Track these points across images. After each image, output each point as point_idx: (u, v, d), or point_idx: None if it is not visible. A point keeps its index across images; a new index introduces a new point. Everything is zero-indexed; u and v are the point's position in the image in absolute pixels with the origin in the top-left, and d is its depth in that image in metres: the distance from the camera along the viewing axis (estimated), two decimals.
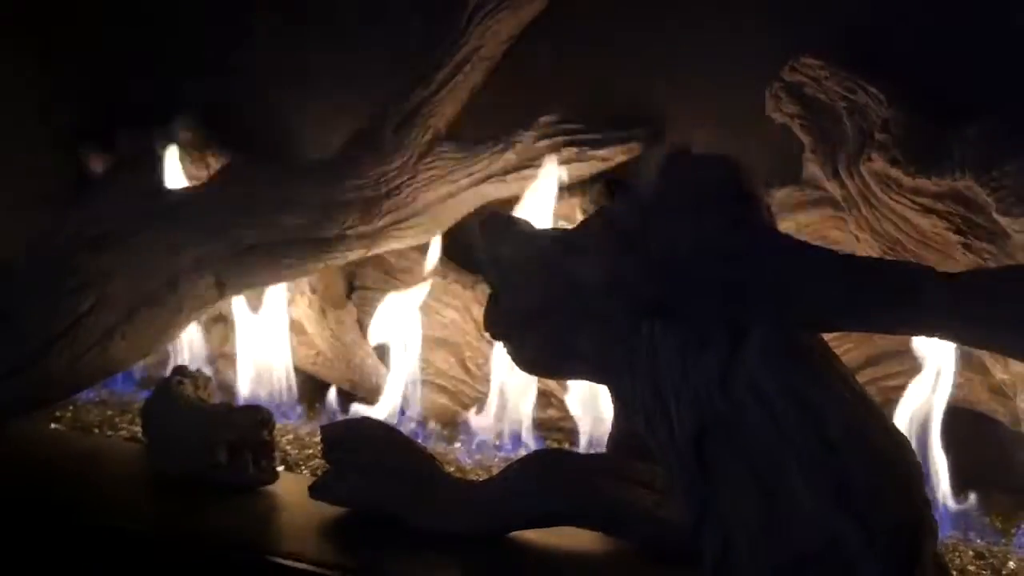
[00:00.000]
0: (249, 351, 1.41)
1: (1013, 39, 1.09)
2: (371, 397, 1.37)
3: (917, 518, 0.83)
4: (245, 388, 1.40)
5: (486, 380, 1.31)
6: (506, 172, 1.27)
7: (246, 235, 1.27)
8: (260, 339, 1.41)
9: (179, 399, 1.22)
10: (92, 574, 1.08)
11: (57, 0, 1.55)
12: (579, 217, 1.23)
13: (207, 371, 1.34)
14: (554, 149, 1.25)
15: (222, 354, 1.44)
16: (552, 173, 1.24)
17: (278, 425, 1.20)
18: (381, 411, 1.32)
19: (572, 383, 1.23)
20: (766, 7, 1.18)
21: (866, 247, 1.11)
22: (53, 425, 1.35)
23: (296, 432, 1.32)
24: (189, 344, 1.44)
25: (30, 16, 1.53)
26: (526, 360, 0.99)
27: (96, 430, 1.35)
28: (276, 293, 1.39)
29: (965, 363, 1.07)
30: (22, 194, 1.53)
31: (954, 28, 1.11)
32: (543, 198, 1.24)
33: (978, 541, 1.02)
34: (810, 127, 1.13)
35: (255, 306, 1.40)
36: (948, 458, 1.05)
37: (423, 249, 1.34)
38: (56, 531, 1.12)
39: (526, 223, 1.05)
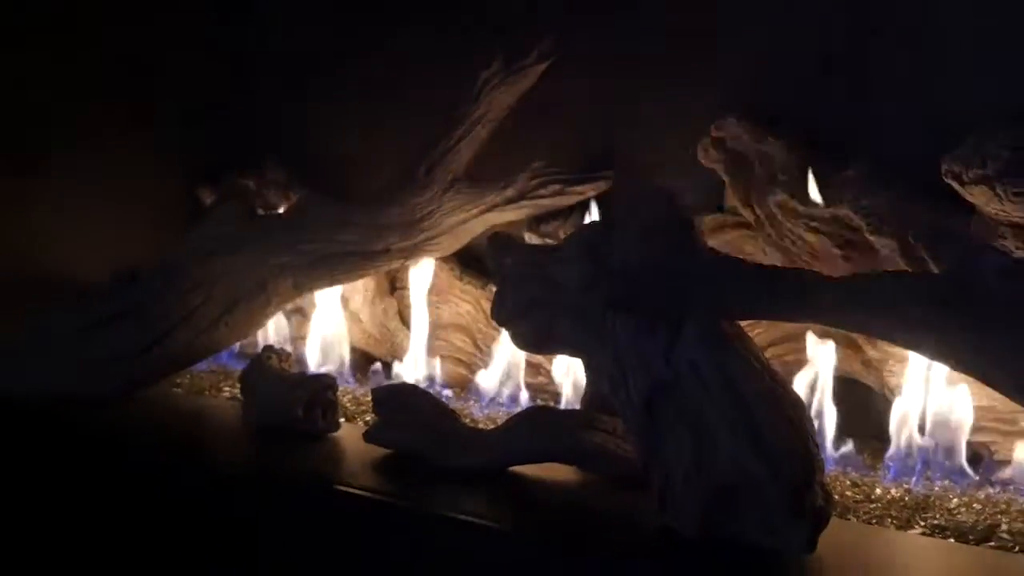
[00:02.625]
0: (318, 333, 1.41)
1: (881, 108, 1.09)
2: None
3: (809, 457, 0.84)
4: (315, 361, 1.40)
5: (492, 355, 1.31)
6: (507, 203, 1.27)
7: (316, 249, 1.26)
8: (326, 325, 1.41)
9: (267, 369, 1.22)
10: (201, 500, 1.08)
11: (180, 82, 1.54)
12: (561, 236, 1.23)
13: (288, 348, 1.34)
14: (542, 186, 1.26)
15: (299, 336, 1.44)
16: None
17: (340, 388, 1.20)
18: (413, 376, 1.33)
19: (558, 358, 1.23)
20: (700, 82, 1.18)
21: (771, 258, 1.11)
22: (175, 389, 1.35)
23: (353, 393, 1.32)
24: (275, 329, 1.44)
25: (154, 93, 1.53)
26: (522, 341, 0.99)
27: (206, 392, 1.35)
28: (338, 292, 1.40)
29: (845, 343, 1.07)
30: (150, 220, 1.53)
31: (838, 98, 1.11)
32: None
33: (853, 474, 1.02)
34: (730, 170, 1.13)
35: (323, 300, 1.40)
36: (833, 414, 1.05)
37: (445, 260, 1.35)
38: (176, 467, 1.12)
39: (523, 241, 1.05)
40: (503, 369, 1.28)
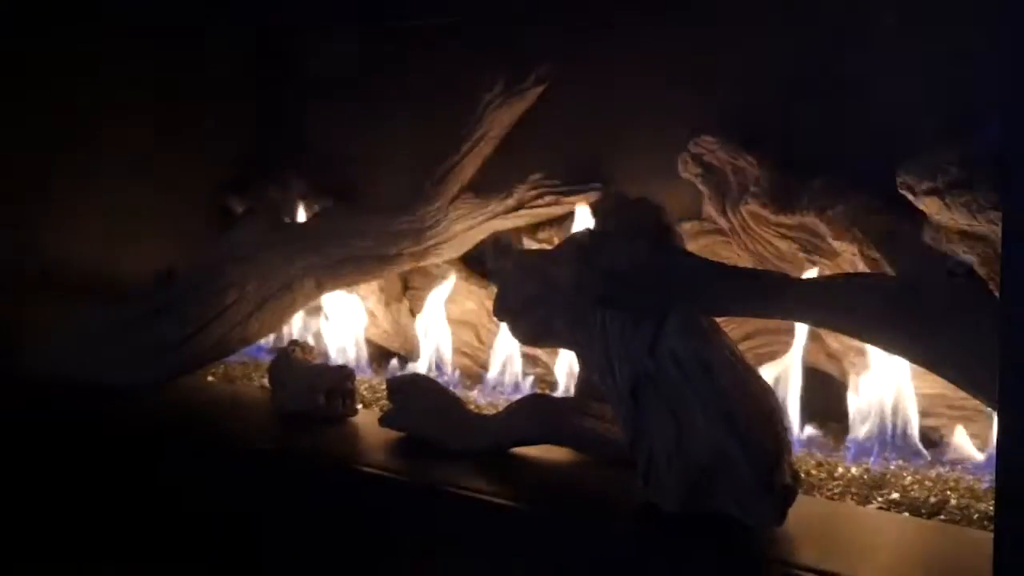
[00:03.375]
0: (338, 329, 1.41)
1: (842, 128, 1.10)
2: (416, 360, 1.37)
3: (778, 438, 0.84)
4: (335, 353, 1.40)
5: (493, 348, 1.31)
6: (507, 212, 1.27)
7: (336, 253, 1.27)
8: (345, 321, 1.41)
9: (293, 361, 1.22)
10: (232, 476, 1.09)
11: (214, 101, 1.55)
12: (556, 241, 1.23)
13: (311, 342, 1.35)
14: (538, 197, 1.26)
15: (320, 331, 1.44)
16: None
17: (358, 377, 1.20)
18: (423, 368, 1.33)
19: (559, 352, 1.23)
20: (680, 104, 1.18)
21: (744, 261, 1.11)
22: (209, 378, 1.35)
23: (370, 382, 1.32)
24: (299, 324, 1.44)
25: (191, 111, 1.54)
26: (520, 335, 0.99)
27: (238, 381, 1.35)
28: (356, 291, 1.40)
29: (810, 336, 1.07)
30: (190, 226, 1.53)
31: (805, 118, 1.11)
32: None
33: (818, 454, 1.02)
34: (707, 182, 1.13)
35: (342, 299, 1.41)
36: (799, 400, 1.05)
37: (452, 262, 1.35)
38: (211, 448, 1.12)
39: (521, 246, 1.05)
40: (504, 360, 1.29)
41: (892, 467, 0.98)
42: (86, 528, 1.18)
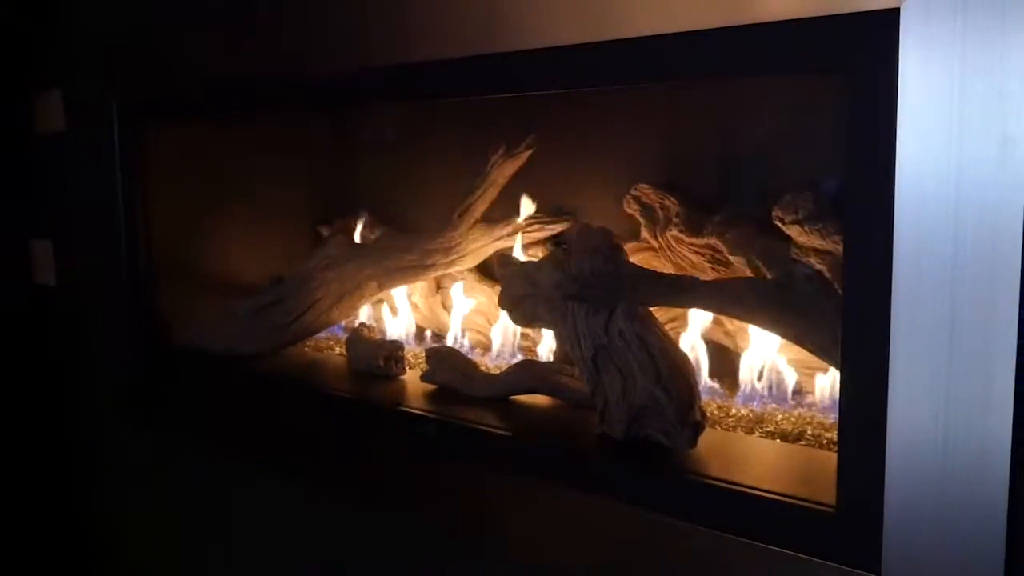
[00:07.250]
0: (392, 315, 1.41)
1: (737, 179, 1.10)
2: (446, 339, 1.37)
3: (691, 389, 0.84)
4: (391, 332, 1.40)
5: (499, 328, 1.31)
6: (508, 236, 1.27)
7: (390, 264, 1.26)
8: (397, 309, 1.41)
9: (361, 337, 1.22)
10: (321, 414, 1.09)
11: (311, 161, 1.55)
12: (541, 255, 1.23)
13: (374, 324, 1.35)
14: (529, 225, 1.26)
15: (380, 317, 1.44)
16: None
17: (406, 348, 1.20)
18: (450, 342, 1.32)
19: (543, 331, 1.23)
20: (625, 162, 1.18)
21: (668, 269, 1.10)
22: (306, 348, 1.35)
23: (414, 351, 1.32)
24: (366, 312, 1.44)
25: (297, 170, 1.53)
26: (517, 319, 1.00)
27: (324, 351, 1.34)
28: (404, 290, 1.40)
29: (713, 320, 1.07)
30: (294, 245, 1.53)
31: (709, 173, 1.11)
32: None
33: (718, 400, 1.02)
34: (643, 215, 1.13)
35: (396, 295, 1.40)
36: (706, 365, 1.05)
37: (470, 270, 1.35)
38: (307, 394, 1.12)
39: (518, 259, 1.05)
40: (505, 337, 1.28)
41: (768, 408, 0.98)
42: (232, 441, 1.18)
